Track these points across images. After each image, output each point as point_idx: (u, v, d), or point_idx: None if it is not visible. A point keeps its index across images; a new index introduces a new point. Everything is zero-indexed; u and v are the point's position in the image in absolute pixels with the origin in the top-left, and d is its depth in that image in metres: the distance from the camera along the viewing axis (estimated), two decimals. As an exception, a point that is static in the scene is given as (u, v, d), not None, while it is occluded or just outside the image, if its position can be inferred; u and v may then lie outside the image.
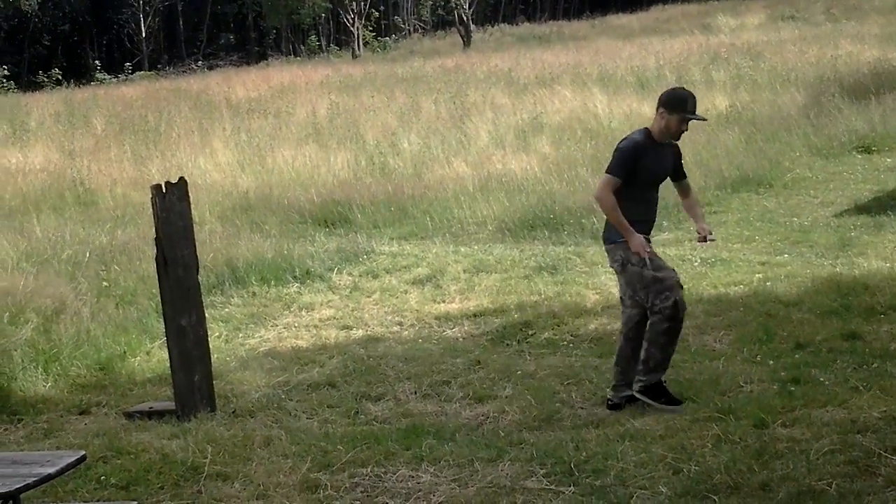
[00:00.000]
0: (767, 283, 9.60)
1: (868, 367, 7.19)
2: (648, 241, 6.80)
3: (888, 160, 16.13)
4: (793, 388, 6.81)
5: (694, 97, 6.85)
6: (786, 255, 10.91)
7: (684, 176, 7.21)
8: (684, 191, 7.24)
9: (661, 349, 6.75)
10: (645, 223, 6.89)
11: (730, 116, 19.68)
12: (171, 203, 7.25)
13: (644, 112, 20.93)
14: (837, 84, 21.76)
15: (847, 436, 5.83)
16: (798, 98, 21.14)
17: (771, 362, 7.41)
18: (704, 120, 7.31)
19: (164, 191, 7.23)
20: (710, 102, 21.20)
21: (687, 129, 6.88)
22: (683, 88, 7.13)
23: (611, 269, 10.64)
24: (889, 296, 8.71)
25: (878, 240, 11.15)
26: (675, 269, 7.10)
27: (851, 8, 45.49)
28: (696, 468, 5.57)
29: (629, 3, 66.41)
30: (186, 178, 7.58)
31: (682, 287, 6.86)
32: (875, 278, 9.33)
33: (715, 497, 5.22)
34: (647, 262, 6.67)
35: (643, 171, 6.75)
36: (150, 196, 7.29)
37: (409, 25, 71.56)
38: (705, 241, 7.03)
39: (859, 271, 9.75)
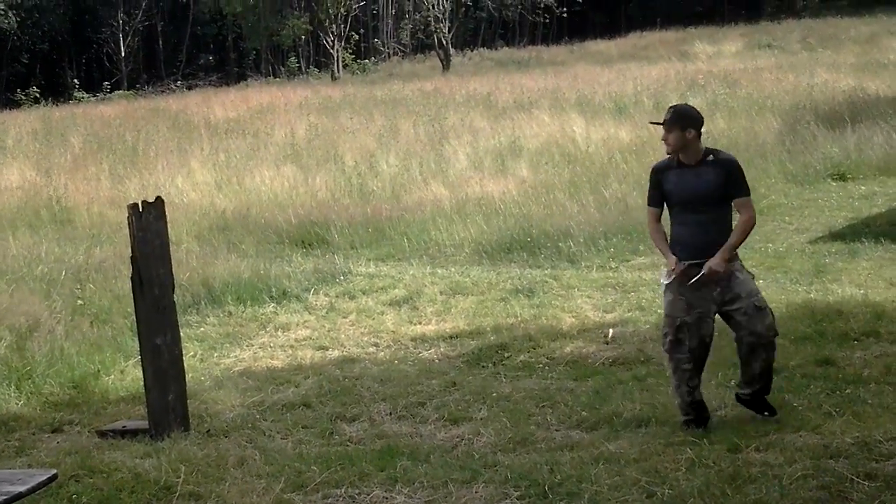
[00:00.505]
0: (742, 309, 9.65)
1: (841, 392, 7.22)
2: (694, 265, 6.54)
3: (863, 188, 16.25)
4: (766, 413, 6.84)
5: (669, 109, 6.79)
6: (761, 281, 10.88)
7: (737, 195, 6.63)
8: (738, 213, 6.72)
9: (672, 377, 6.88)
10: (686, 247, 6.59)
11: (705, 142, 19.76)
12: (148, 222, 7.23)
13: (621, 137, 21.06)
14: (813, 112, 21.92)
15: (820, 461, 5.85)
16: (774, 125, 21.28)
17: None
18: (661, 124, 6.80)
19: (140, 210, 7.22)
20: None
21: (665, 140, 6.70)
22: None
23: (587, 293, 10.80)
24: (862, 322, 8.76)
25: (852, 266, 11.21)
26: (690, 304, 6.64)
27: (828, 37, 45.89)
28: (670, 492, 5.59)
29: (608, 29, 66.81)
30: (164, 197, 7.58)
31: (687, 328, 6.62)
32: (849, 304, 9.39)
33: (688, 520, 5.23)
34: (664, 286, 6.71)
35: (668, 196, 6.73)
36: (127, 215, 7.27)
37: (388, 48, 71.73)
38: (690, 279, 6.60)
39: (833, 297, 9.81)
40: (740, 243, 6.68)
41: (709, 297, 6.56)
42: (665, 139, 6.69)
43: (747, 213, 6.66)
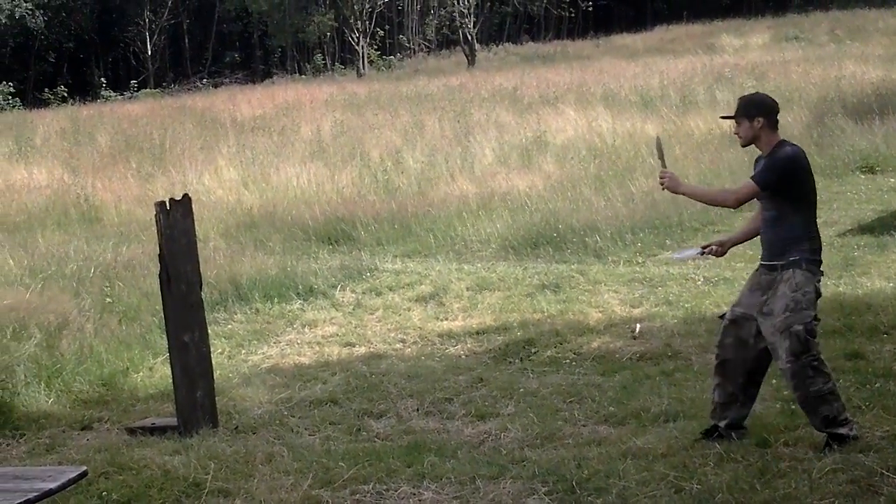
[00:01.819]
0: (770, 303, 9.59)
1: (871, 386, 7.18)
2: (765, 266, 6.23)
3: (891, 180, 16.14)
4: (795, 407, 6.76)
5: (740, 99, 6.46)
6: (789, 274, 10.88)
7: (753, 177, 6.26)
8: None
9: None
10: (762, 245, 6.36)
11: (733, 136, 19.64)
12: (175, 220, 7.27)
13: (648, 131, 20.97)
14: (841, 104, 21.77)
15: (849, 455, 5.82)
16: (802, 118, 21.14)
17: (773, 381, 7.37)
18: (731, 118, 6.45)
19: (168, 208, 7.25)
20: (715, 122, 21.23)
21: (736, 132, 6.41)
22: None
23: (614, 288, 10.78)
24: (892, 315, 8.71)
25: (881, 259, 11.14)
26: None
27: (855, 29, 45.51)
28: (698, 487, 5.57)
29: (634, 23, 66.58)
30: (191, 195, 7.60)
31: (728, 322, 6.35)
32: (878, 298, 9.33)
33: (717, 516, 5.22)
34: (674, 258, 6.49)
35: None
36: (154, 213, 7.31)
37: (413, 44, 71.70)
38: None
39: (862, 291, 9.75)
40: (695, 194, 6.67)
41: (756, 300, 6.16)
42: (736, 132, 6.37)
43: (735, 188, 6.44)
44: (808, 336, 5.94)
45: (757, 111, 6.21)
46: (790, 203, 6.11)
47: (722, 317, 6.48)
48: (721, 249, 6.64)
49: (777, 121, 6.27)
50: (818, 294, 6.10)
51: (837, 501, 5.23)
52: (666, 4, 72.07)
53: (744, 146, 6.45)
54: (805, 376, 5.97)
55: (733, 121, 6.37)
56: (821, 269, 6.14)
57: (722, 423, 6.39)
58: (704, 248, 6.70)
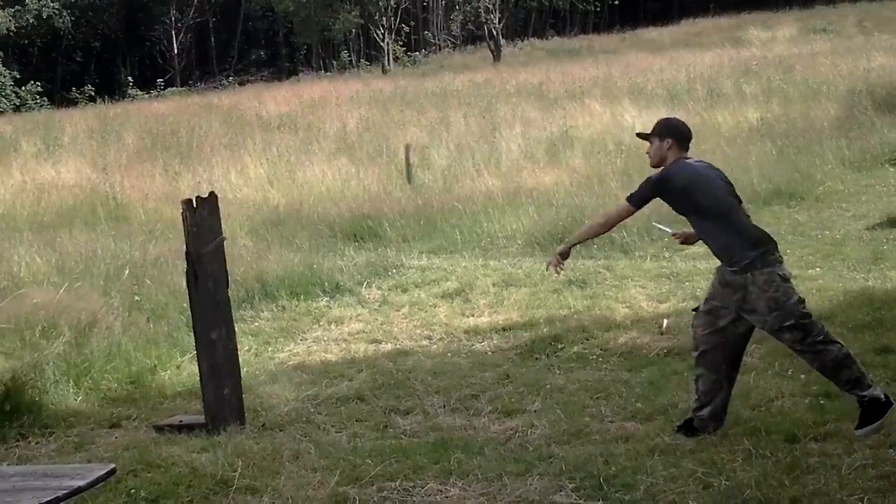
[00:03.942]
0: (799, 297, 9.52)
1: (901, 380, 7.12)
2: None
3: (922, 173, 16.02)
4: (824, 403, 6.75)
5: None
6: (817, 269, 10.82)
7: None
8: None
9: None
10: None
11: (761, 129, 19.59)
12: (202, 218, 7.27)
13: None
14: (870, 97, 21.61)
15: (879, 450, 5.78)
16: (830, 110, 21.01)
17: (802, 376, 7.34)
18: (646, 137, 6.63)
19: (194, 205, 7.26)
20: (742, 115, 21.14)
21: (647, 152, 6.58)
22: None
23: (640, 283, 10.73)
24: (922, 309, 8.63)
25: (911, 253, 11.06)
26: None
27: (884, 20, 45.19)
28: (727, 483, 5.53)
29: (660, 16, 66.33)
30: (217, 193, 7.61)
31: (706, 314, 6.47)
32: (908, 292, 9.26)
33: (745, 512, 5.18)
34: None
35: None
36: (181, 211, 7.32)
37: (438, 40, 71.71)
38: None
39: (892, 285, 9.67)
40: (572, 241, 6.89)
41: (730, 297, 6.20)
42: (647, 151, 6.57)
43: (605, 210, 6.85)
44: (802, 321, 6.09)
45: (668, 133, 6.43)
46: (699, 218, 6.32)
47: (696, 310, 6.57)
48: (687, 241, 6.84)
49: (687, 147, 6.47)
50: (788, 277, 6.19)
51: (867, 497, 5.19)
52: (692, -3, 71.75)
53: (653, 166, 6.54)
54: (816, 352, 6.13)
55: (647, 141, 6.55)
56: (775, 255, 6.19)
57: (705, 412, 6.41)
58: (675, 234, 6.99)
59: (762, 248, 6.15)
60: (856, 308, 8.93)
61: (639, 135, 6.81)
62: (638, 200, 6.39)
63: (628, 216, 6.58)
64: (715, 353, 6.38)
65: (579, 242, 7.04)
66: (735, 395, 6.81)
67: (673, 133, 6.42)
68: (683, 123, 6.61)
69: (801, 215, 13.94)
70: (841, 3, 57.35)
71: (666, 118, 6.77)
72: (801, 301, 6.18)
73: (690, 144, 6.51)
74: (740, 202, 6.46)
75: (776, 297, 6.05)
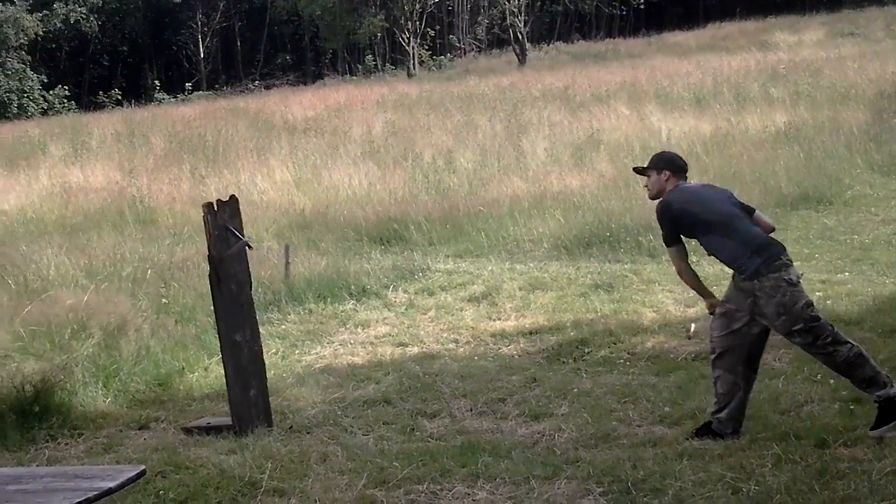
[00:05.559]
0: (828, 302, 9.46)
1: (932, 387, 7.05)
2: None
3: (951, 177, 15.90)
4: (854, 408, 6.70)
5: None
6: (846, 274, 10.76)
7: None
8: None
9: None
10: None
11: (788, 133, 19.49)
12: (223, 221, 7.30)
13: (702, 129, 20.82)
14: (898, 100, 21.50)
15: (910, 456, 5.73)
16: (858, 114, 20.88)
17: (832, 381, 7.30)
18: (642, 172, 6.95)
19: (215, 209, 7.29)
20: (769, 119, 21.03)
21: (645, 185, 6.88)
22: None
23: (668, 287, 10.69)
24: (953, 314, 8.57)
25: (941, 258, 10.98)
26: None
27: (912, 24, 44.93)
28: (756, 488, 5.50)
29: (686, 20, 66.08)
30: (244, 196, 7.67)
31: (722, 316, 6.60)
32: (938, 296, 9.19)
33: (775, 517, 5.15)
34: None
35: None
36: (202, 214, 7.35)
37: (464, 44, 71.74)
38: None
39: (922, 289, 9.60)
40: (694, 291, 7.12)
41: (745, 302, 6.35)
42: (646, 185, 6.87)
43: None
44: (811, 325, 6.20)
45: (665, 165, 6.69)
46: (706, 234, 6.49)
47: (712, 313, 6.70)
48: (713, 306, 6.83)
49: (685, 178, 6.71)
50: (796, 282, 6.29)
51: (898, 503, 5.15)
52: (718, 1, 71.46)
53: (651, 198, 6.82)
54: (827, 353, 6.24)
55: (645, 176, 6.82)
56: (781, 260, 6.31)
57: (723, 414, 6.48)
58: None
59: (767, 254, 6.28)
60: (885, 313, 8.87)
61: (635, 169, 7.06)
62: (668, 238, 6.70)
63: (681, 255, 6.77)
64: (732, 354, 6.47)
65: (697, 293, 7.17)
66: (764, 400, 6.80)
67: (669, 165, 6.68)
68: (679, 156, 6.88)
69: (829, 219, 13.86)
70: (868, 6, 56.97)
71: (660, 152, 7.07)
72: (809, 304, 6.30)
73: (686, 175, 6.74)
74: (750, 214, 6.58)
75: (783, 302, 6.18)
